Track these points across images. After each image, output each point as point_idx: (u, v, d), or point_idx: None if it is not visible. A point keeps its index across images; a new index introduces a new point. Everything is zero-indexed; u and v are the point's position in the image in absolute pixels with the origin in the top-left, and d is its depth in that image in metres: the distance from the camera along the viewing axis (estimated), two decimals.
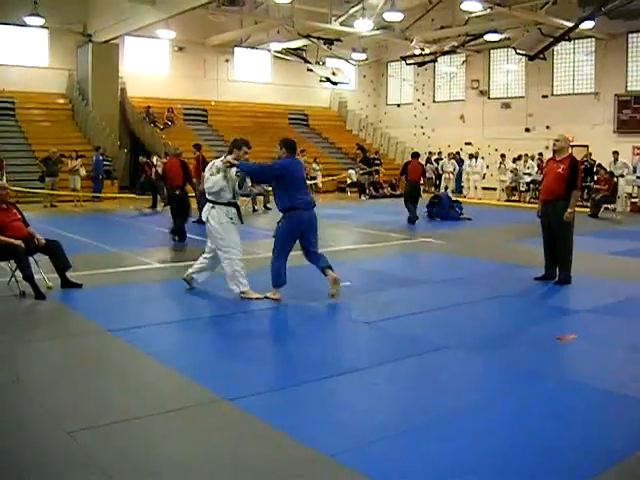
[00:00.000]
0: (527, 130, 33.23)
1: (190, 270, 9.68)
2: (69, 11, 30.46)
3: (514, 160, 28.63)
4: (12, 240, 9.20)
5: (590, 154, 27.27)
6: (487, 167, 30.17)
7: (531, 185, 27.03)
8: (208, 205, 9.30)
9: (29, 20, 27.78)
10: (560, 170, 10.30)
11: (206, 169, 9.55)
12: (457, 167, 30.61)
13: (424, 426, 5.06)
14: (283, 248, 9.23)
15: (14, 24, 29.60)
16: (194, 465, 4.47)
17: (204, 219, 9.32)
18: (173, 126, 32.54)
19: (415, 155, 20.44)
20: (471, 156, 30.01)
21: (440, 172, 30.81)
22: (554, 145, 10.63)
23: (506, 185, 28.14)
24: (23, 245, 9.24)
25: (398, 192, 28.14)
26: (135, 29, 28.86)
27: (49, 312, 8.86)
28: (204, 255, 9.58)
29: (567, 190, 10.23)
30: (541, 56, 26.84)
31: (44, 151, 24.66)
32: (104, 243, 14.18)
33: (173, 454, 4.63)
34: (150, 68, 34.04)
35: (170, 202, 15.89)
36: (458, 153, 32.06)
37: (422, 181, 21.20)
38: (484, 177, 29.50)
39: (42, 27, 29.70)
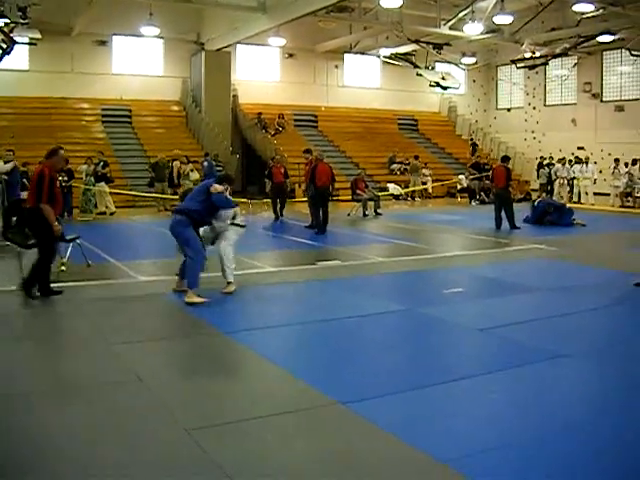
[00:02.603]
0: None
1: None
2: (183, 21, 31.24)
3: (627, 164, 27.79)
4: None
5: None
6: (600, 172, 29.46)
7: None
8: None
9: (145, 30, 28.72)
10: None
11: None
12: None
13: (538, 437, 5.01)
14: None
15: (131, 35, 30.68)
16: (306, 467, 4.58)
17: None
18: (284, 132, 32.95)
19: (504, 159, 20.12)
20: (579, 160, 29.43)
21: (554, 177, 30.09)
22: None
23: (620, 191, 27.33)
24: None
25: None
26: (246, 37, 29.44)
27: (166, 313, 9.15)
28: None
29: None
30: None
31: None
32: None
33: (286, 455, 4.74)
34: (261, 75, 34.59)
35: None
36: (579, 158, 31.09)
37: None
38: (595, 182, 28.75)
39: (157, 37, 30.63)
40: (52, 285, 9.81)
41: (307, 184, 18.83)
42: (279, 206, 20.75)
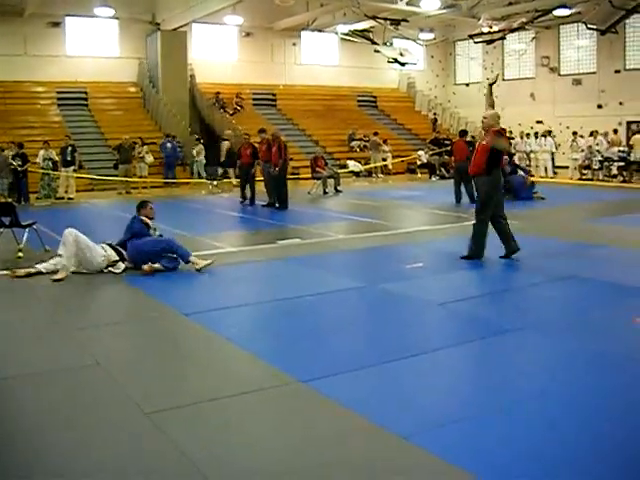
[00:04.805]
0: (599, 107, 32.55)
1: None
2: (137, 1, 30.94)
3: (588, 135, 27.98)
4: None
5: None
6: (559, 145, 29.67)
7: (604, 163, 26.48)
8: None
9: (99, 11, 28.44)
10: (482, 144, 10.35)
11: None
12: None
13: (498, 409, 5.02)
14: None
15: (85, 16, 30.24)
16: (268, 446, 4.54)
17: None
18: (243, 111, 32.76)
19: (462, 134, 20.31)
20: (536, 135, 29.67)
21: (512, 151, 30.22)
22: (482, 122, 10.60)
23: (578, 163, 27.53)
24: None
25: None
26: (202, 16, 29.18)
27: (124, 296, 9.07)
28: None
29: (487, 165, 10.20)
30: (613, 30, 26.16)
31: (116, 139, 25.12)
32: (177, 228, 14.33)
33: (247, 434, 4.70)
34: (218, 54, 34.35)
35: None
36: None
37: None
38: (553, 155, 28.94)
39: (112, 18, 30.29)
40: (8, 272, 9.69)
41: (263, 163, 18.81)
42: (249, 192, 19.39)
